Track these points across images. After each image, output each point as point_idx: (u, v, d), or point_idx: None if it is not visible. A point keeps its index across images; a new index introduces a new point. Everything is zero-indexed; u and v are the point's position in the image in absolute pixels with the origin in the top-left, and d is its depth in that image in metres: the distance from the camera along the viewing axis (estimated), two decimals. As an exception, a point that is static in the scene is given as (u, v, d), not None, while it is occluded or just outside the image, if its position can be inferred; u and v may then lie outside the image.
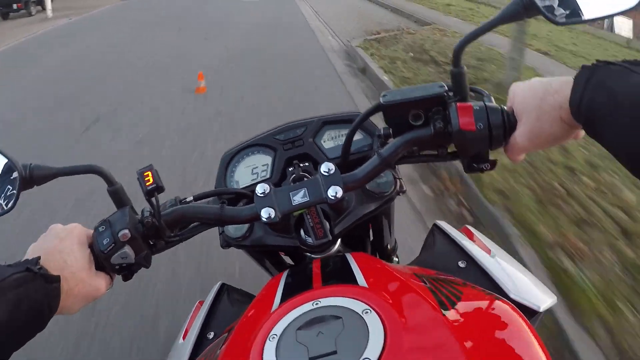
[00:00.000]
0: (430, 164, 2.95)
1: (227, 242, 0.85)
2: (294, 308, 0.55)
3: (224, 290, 1.01)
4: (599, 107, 0.48)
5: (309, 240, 0.76)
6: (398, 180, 0.83)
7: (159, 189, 0.65)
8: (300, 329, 0.51)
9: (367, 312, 0.50)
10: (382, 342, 0.46)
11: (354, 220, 0.80)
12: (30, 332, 0.54)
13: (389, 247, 1.04)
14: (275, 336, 0.51)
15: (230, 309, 0.94)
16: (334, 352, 0.47)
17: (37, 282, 0.54)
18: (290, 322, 0.53)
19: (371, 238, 1.03)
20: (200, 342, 0.84)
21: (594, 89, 0.49)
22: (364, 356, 0.45)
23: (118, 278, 0.68)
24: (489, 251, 0.84)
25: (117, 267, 0.65)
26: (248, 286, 1.07)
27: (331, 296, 0.55)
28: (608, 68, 0.49)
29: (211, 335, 0.85)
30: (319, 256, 0.80)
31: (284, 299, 0.60)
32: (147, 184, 0.65)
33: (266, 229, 0.81)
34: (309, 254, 0.83)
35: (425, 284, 0.63)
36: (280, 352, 0.49)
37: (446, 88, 0.66)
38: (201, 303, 1.01)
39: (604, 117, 0.48)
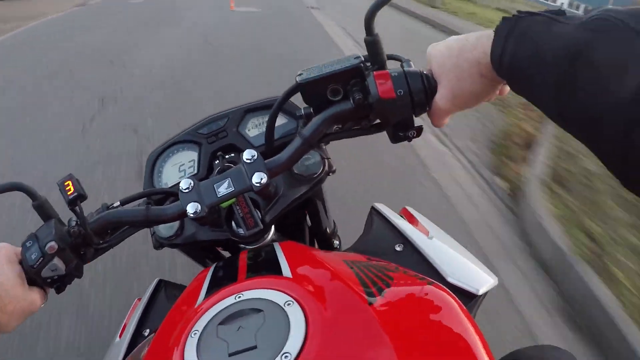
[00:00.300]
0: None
1: (159, 243, 0.83)
2: (217, 302, 0.54)
3: (162, 286, 0.98)
4: (522, 60, 0.46)
5: (241, 231, 0.75)
6: (326, 160, 0.82)
7: (81, 197, 0.64)
8: (222, 324, 0.50)
9: (289, 304, 0.49)
10: (304, 334, 0.45)
11: (284, 206, 0.78)
12: None
13: (327, 230, 1.02)
14: (197, 332, 0.50)
15: (167, 305, 0.91)
16: (254, 347, 0.46)
17: None
18: (212, 317, 0.52)
19: (309, 224, 1.02)
20: (135, 340, 0.81)
21: (516, 42, 0.47)
22: (284, 350, 0.44)
23: (52, 291, 0.67)
24: (427, 233, 0.83)
25: (48, 280, 0.64)
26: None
27: (254, 288, 0.54)
28: (531, 19, 0.47)
29: (147, 332, 0.83)
30: (254, 247, 0.79)
31: (208, 293, 0.59)
32: (69, 193, 0.64)
33: (197, 225, 0.80)
34: (243, 246, 0.81)
35: (354, 270, 0.62)
36: (201, 348, 0.48)
37: (362, 59, 0.64)
38: (138, 301, 0.98)
39: (528, 71, 0.46)
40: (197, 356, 0.47)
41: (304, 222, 0.99)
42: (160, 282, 0.99)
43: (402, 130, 0.65)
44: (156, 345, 0.56)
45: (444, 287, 0.60)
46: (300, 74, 0.65)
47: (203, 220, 0.67)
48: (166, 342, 0.53)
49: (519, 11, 0.49)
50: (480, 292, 0.69)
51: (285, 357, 0.43)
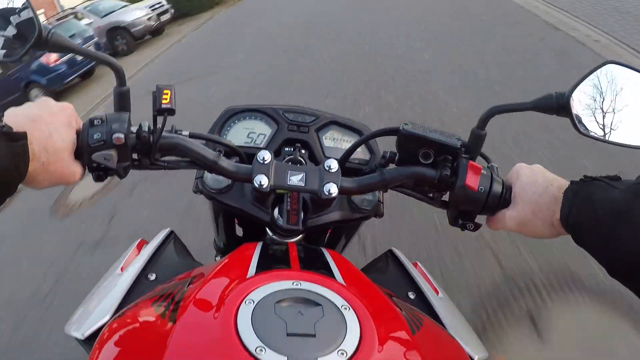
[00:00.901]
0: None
1: (200, 189, 0.84)
2: (274, 281, 0.55)
3: (171, 238, 0.99)
4: (584, 219, 0.55)
5: (280, 221, 0.77)
6: (380, 204, 0.86)
7: (171, 111, 0.64)
8: (279, 303, 0.51)
9: (345, 309, 0.52)
10: (358, 340, 0.48)
11: (327, 222, 0.82)
12: None
13: None
14: (251, 302, 0.51)
15: (175, 259, 0.93)
16: (313, 335, 0.48)
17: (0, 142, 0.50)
18: (270, 293, 0.53)
19: (324, 243, 1.05)
20: (139, 280, 0.82)
21: (579, 205, 0.56)
22: (340, 347, 0.47)
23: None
24: (437, 291, 0.89)
25: (94, 164, 0.63)
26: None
27: (311, 282, 0.56)
28: (592, 184, 0.56)
29: (152, 277, 0.84)
30: (281, 240, 0.82)
31: (260, 269, 0.61)
32: (163, 101, 0.64)
33: (243, 194, 0.82)
34: (270, 234, 0.85)
35: (393, 302, 0.66)
36: (256, 318, 0.49)
37: (462, 142, 0.70)
38: (142, 242, 1.00)
39: (588, 227, 0.55)
40: (252, 325, 0.48)
41: (323, 239, 1.02)
42: (171, 232, 1.00)
43: (463, 219, 0.72)
44: (199, 299, 0.55)
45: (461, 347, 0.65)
46: (406, 124, 0.70)
47: (258, 193, 0.70)
48: (213, 300, 0.53)
49: (585, 176, 0.58)
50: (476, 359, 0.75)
51: (342, 354, 0.46)
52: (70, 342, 0.77)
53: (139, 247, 0.96)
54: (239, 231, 1.00)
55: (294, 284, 0.55)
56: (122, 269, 0.87)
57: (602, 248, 0.54)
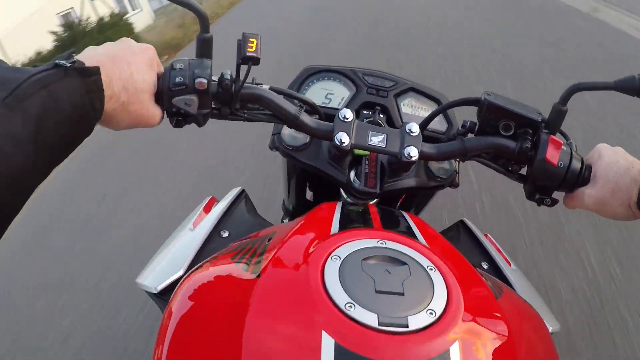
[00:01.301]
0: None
1: (276, 146, 0.84)
2: (358, 239, 0.54)
3: (242, 196, 1.00)
4: None
5: (356, 183, 0.77)
6: (456, 174, 0.85)
7: (255, 60, 0.62)
8: (366, 260, 0.51)
9: (431, 269, 0.51)
10: (445, 300, 0.47)
11: (403, 187, 0.81)
12: (72, 140, 0.49)
13: None
14: (337, 257, 0.51)
15: (247, 217, 0.94)
16: (402, 294, 0.47)
17: (71, 78, 0.47)
18: (355, 250, 0.52)
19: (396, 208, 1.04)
20: (212, 237, 0.84)
21: None
22: (429, 307, 0.46)
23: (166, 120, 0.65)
24: (509, 262, 0.87)
25: (174, 109, 0.62)
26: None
27: (395, 242, 0.55)
28: None
29: (225, 233, 0.85)
30: (359, 201, 0.81)
31: (342, 227, 0.60)
32: (249, 49, 0.62)
33: (320, 153, 0.81)
34: (344, 196, 0.84)
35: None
36: (344, 274, 0.48)
37: (542, 117, 0.69)
38: (213, 199, 1.01)
39: None
40: (340, 280, 0.47)
41: (395, 205, 1.01)
42: (243, 191, 1.01)
43: (540, 193, 0.71)
44: (283, 255, 0.55)
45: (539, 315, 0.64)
46: (488, 94, 0.68)
47: (338, 152, 0.69)
48: (297, 257, 0.52)
49: None
50: (550, 331, 0.72)
51: (430, 313, 0.45)
52: (142, 294, 0.79)
53: (209, 205, 0.97)
54: (309, 195, 1.00)
55: (379, 242, 0.54)
56: (194, 225, 0.88)
57: None
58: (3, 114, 0.41)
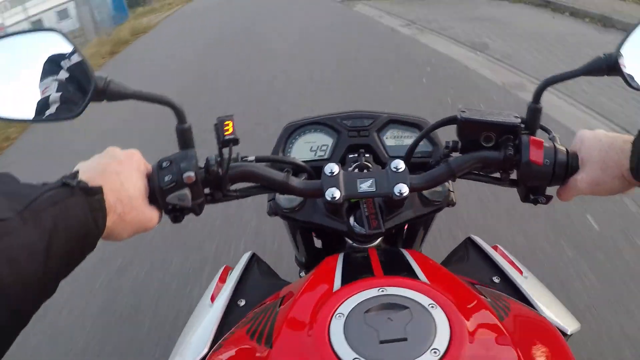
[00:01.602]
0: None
1: (275, 211, 0.86)
2: (360, 291, 0.56)
3: (254, 260, 1.03)
4: None
5: (358, 228, 0.78)
6: (451, 193, 0.86)
7: (235, 141, 0.66)
8: (368, 312, 0.53)
9: (432, 307, 0.53)
10: (449, 336, 0.49)
11: (404, 220, 0.82)
12: (76, 255, 0.51)
13: None
14: (341, 315, 0.52)
15: (262, 281, 0.96)
16: (404, 339, 0.49)
17: (77, 197, 0.50)
18: (358, 304, 0.54)
19: (402, 240, 1.04)
20: (231, 308, 0.86)
21: None
22: (432, 346, 0.47)
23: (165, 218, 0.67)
24: (520, 271, 0.88)
25: (170, 206, 0.64)
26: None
27: (396, 286, 0.57)
28: None
29: (242, 302, 0.87)
30: (362, 246, 0.83)
31: (345, 281, 0.62)
32: (226, 133, 0.65)
33: (317, 207, 0.83)
34: (349, 242, 0.86)
35: (477, 290, 0.65)
36: (348, 331, 0.50)
37: (520, 119, 0.70)
38: (227, 268, 1.04)
39: None
40: (345, 338, 0.49)
41: (401, 237, 1.03)
42: (253, 255, 1.03)
43: (534, 194, 0.71)
44: (291, 321, 0.57)
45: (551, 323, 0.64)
46: (463, 111, 0.70)
47: (330, 207, 0.71)
48: (304, 318, 0.55)
49: None
50: (570, 332, 0.73)
51: (434, 352, 0.46)
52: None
53: (224, 275, 1.00)
54: (318, 243, 1.02)
55: (380, 290, 0.56)
56: (212, 299, 0.91)
57: None
58: (19, 227, 0.44)
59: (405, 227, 1.00)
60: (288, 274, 1.07)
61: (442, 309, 0.52)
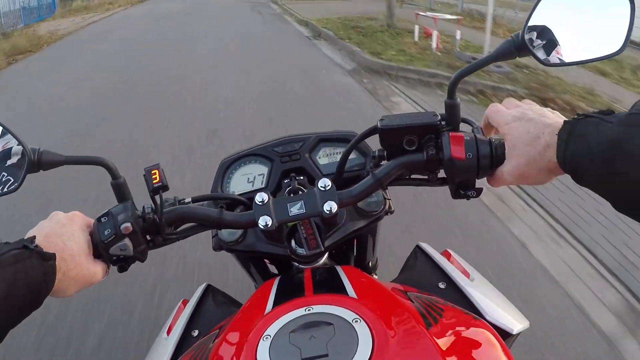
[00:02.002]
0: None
1: (219, 245, 0.87)
2: (287, 312, 0.58)
3: (209, 291, 1.04)
4: (579, 157, 0.54)
5: (299, 250, 0.80)
6: (387, 201, 0.87)
7: (164, 187, 0.68)
8: (294, 332, 0.54)
9: (356, 321, 0.54)
10: (370, 349, 0.50)
11: (343, 235, 0.83)
12: (26, 309, 0.56)
13: (370, 264, 1.08)
14: (268, 336, 0.54)
15: (216, 310, 0.97)
16: (326, 355, 0.50)
17: (34, 259, 0.56)
18: (284, 325, 0.56)
19: (354, 253, 1.07)
20: (185, 340, 0.86)
21: (574, 143, 0.54)
22: None
23: (113, 269, 0.70)
24: (467, 275, 0.90)
25: (114, 257, 0.67)
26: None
27: (323, 304, 0.58)
28: (585, 121, 0.54)
29: (195, 333, 0.88)
30: (307, 267, 0.84)
31: (276, 303, 0.64)
32: (154, 181, 0.68)
33: (259, 236, 0.84)
34: (296, 264, 0.87)
35: (410, 300, 0.67)
36: (273, 351, 0.52)
37: (439, 117, 0.70)
38: (185, 302, 1.04)
39: (584, 166, 0.53)
40: (270, 359, 0.51)
41: (352, 251, 1.04)
42: (208, 286, 1.04)
43: (464, 189, 0.70)
44: (224, 345, 0.60)
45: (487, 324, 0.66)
46: (382, 120, 0.71)
47: (268, 233, 0.72)
48: (235, 343, 0.57)
49: (577, 113, 0.56)
50: (515, 332, 0.75)
51: None
52: None
53: (182, 307, 0.99)
54: (273, 269, 1.03)
55: (306, 309, 0.58)
56: (167, 332, 0.91)
57: (602, 184, 0.53)
58: None
59: (354, 241, 1.03)
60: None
61: (366, 322, 0.54)
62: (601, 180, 0.52)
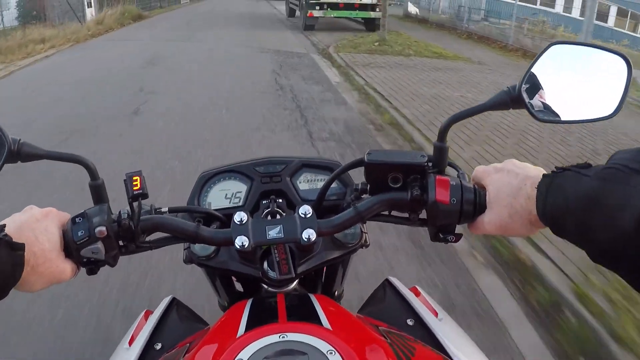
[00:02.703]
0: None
1: (190, 259, 0.86)
2: (261, 337, 0.57)
3: (174, 304, 1.01)
4: (558, 212, 0.55)
5: (271, 273, 0.78)
6: (364, 235, 0.87)
7: (143, 195, 0.67)
8: (267, 358, 0.53)
9: (331, 353, 0.53)
10: None
11: (317, 264, 0.82)
12: None
13: (336, 293, 1.07)
14: None
15: (180, 325, 0.95)
16: None
17: (2, 248, 0.54)
18: (257, 350, 0.55)
19: (322, 281, 1.05)
20: (147, 352, 0.84)
21: (553, 196, 0.56)
22: None
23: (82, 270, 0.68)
24: (436, 313, 0.89)
25: (84, 259, 0.66)
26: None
27: (298, 332, 0.57)
28: (563, 174, 0.56)
29: (159, 346, 0.86)
30: (276, 290, 0.83)
31: (249, 327, 0.62)
32: (134, 188, 0.67)
33: (231, 254, 0.83)
34: (265, 286, 0.86)
35: (381, 334, 0.66)
36: None
37: (427, 158, 0.71)
38: (148, 313, 1.01)
39: (563, 219, 0.54)
40: None
41: (320, 278, 1.03)
42: (173, 299, 1.02)
43: (443, 233, 0.71)
44: None
45: None
46: (369, 153, 0.71)
47: (243, 253, 0.71)
48: None
49: (556, 167, 0.58)
50: None
51: None
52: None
53: (145, 318, 0.97)
54: (239, 286, 1.01)
55: (281, 336, 0.57)
56: (129, 342, 0.88)
57: (579, 237, 0.53)
58: None
59: (324, 269, 1.01)
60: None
61: (341, 355, 0.53)
62: (578, 233, 0.53)
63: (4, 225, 0.58)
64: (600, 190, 0.50)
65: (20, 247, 0.57)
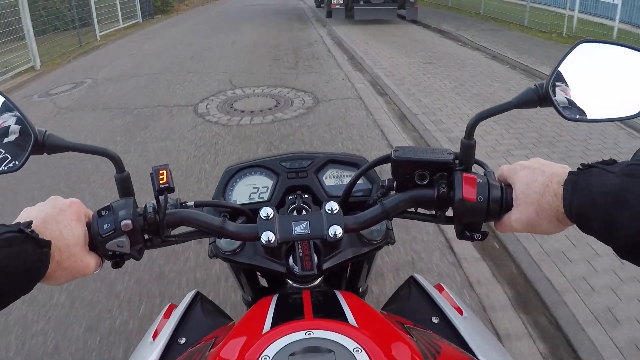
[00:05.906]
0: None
1: (215, 253, 0.86)
2: (287, 334, 0.57)
3: (198, 299, 1.02)
4: (584, 207, 0.55)
5: (296, 269, 0.78)
6: (390, 232, 0.86)
7: (170, 189, 0.67)
8: (293, 355, 0.53)
9: (357, 351, 0.53)
10: None
11: (342, 261, 0.82)
12: (15, 293, 0.55)
13: (360, 289, 1.07)
14: (267, 357, 0.53)
15: (204, 319, 0.95)
16: None
17: (29, 244, 0.55)
18: (283, 347, 0.54)
19: (347, 277, 1.05)
20: (171, 346, 0.85)
21: (580, 194, 0.55)
22: None
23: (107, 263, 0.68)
24: (460, 311, 0.88)
25: (110, 253, 0.66)
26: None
27: (324, 329, 0.57)
28: (588, 171, 0.56)
29: (183, 340, 0.86)
30: (302, 286, 0.83)
31: (274, 323, 0.62)
32: (161, 182, 0.67)
33: (257, 250, 0.83)
34: (290, 282, 0.86)
35: (407, 332, 0.66)
36: None
37: (454, 156, 0.70)
38: (172, 306, 1.02)
39: (589, 216, 0.54)
40: None
41: (345, 275, 1.02)
42: (197, 294, 1.02)
43: (470, 230, 0.70)
44: None
45: None
46: (396, 150, 0.71)
47: (268, 249, 0.71)
48: None
49: (581, 164, 0.58)
50: None
51: None
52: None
53: (168, 313, 0.98)
54: (263, 282, 1.01)
55: (307, 333, 0.57)
56: (154, 336, 0.89)
57: (606, 234, 0.53)
58: None
59: (349, 265, 1.01)
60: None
61: (367, 353, 0.53)
62: (604, 230, 0.53)
63: (31, 222, 0.58)
64: (626, 186, 0.50)
65: (47, 244, 0.57)
